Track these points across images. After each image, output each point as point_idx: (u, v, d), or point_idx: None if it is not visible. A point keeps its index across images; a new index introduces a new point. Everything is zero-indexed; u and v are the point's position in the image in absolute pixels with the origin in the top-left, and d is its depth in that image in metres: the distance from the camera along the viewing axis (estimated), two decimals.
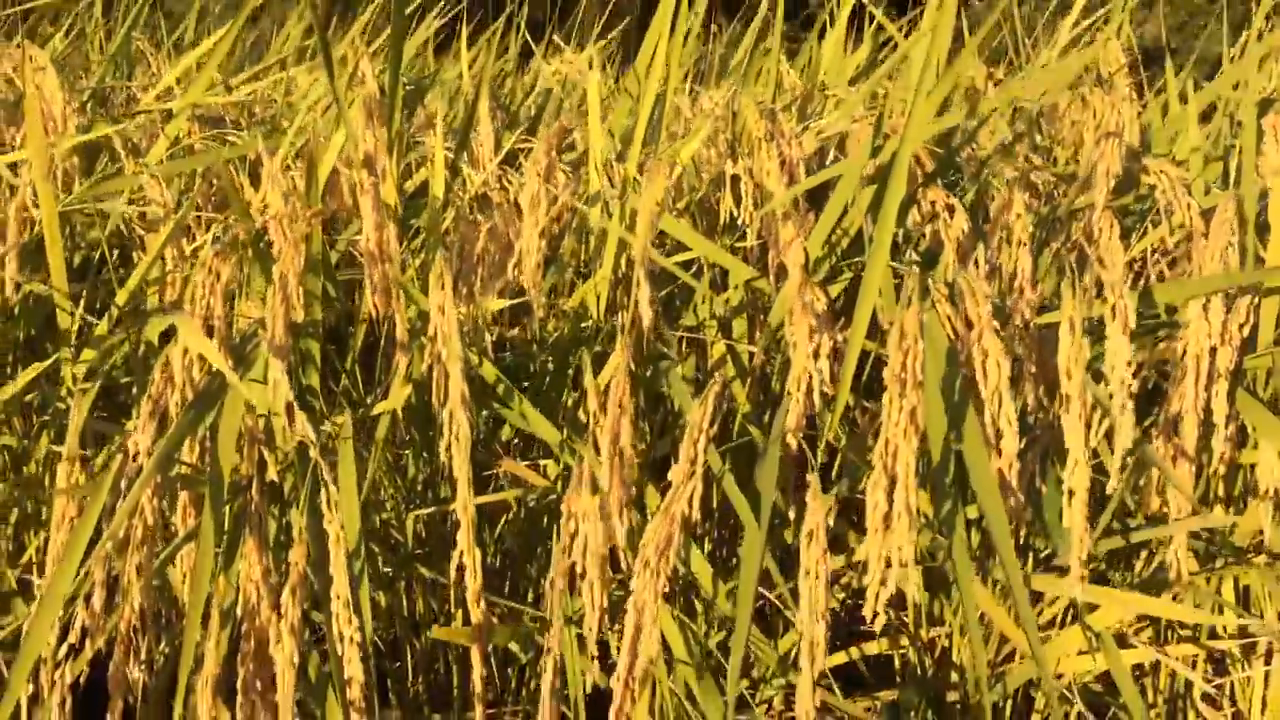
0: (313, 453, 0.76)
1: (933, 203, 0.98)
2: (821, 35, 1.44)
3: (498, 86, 1.80)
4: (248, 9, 1.42)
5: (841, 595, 1.12)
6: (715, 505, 1.14)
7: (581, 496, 0.78)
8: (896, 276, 0.97)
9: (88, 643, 0.76)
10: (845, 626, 1.26)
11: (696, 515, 0.75)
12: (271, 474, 0.88)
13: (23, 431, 1.18)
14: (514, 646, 1.25)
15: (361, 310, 1.13)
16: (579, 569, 0.78)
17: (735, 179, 1.14)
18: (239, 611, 0.79)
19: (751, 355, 1.04)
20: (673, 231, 1.03)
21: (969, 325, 0.82)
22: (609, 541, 0.75)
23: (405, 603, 1.22)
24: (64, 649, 0.76)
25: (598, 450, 0.82)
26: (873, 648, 1.13)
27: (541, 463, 1.10)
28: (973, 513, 0.97)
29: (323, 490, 0.75)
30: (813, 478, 0.72)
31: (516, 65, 1.88)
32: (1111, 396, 0.72)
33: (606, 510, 0.76)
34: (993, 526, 0.74)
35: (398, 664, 1.23)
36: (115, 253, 1.36)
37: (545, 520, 1.16)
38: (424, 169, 1.44)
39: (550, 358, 1.18)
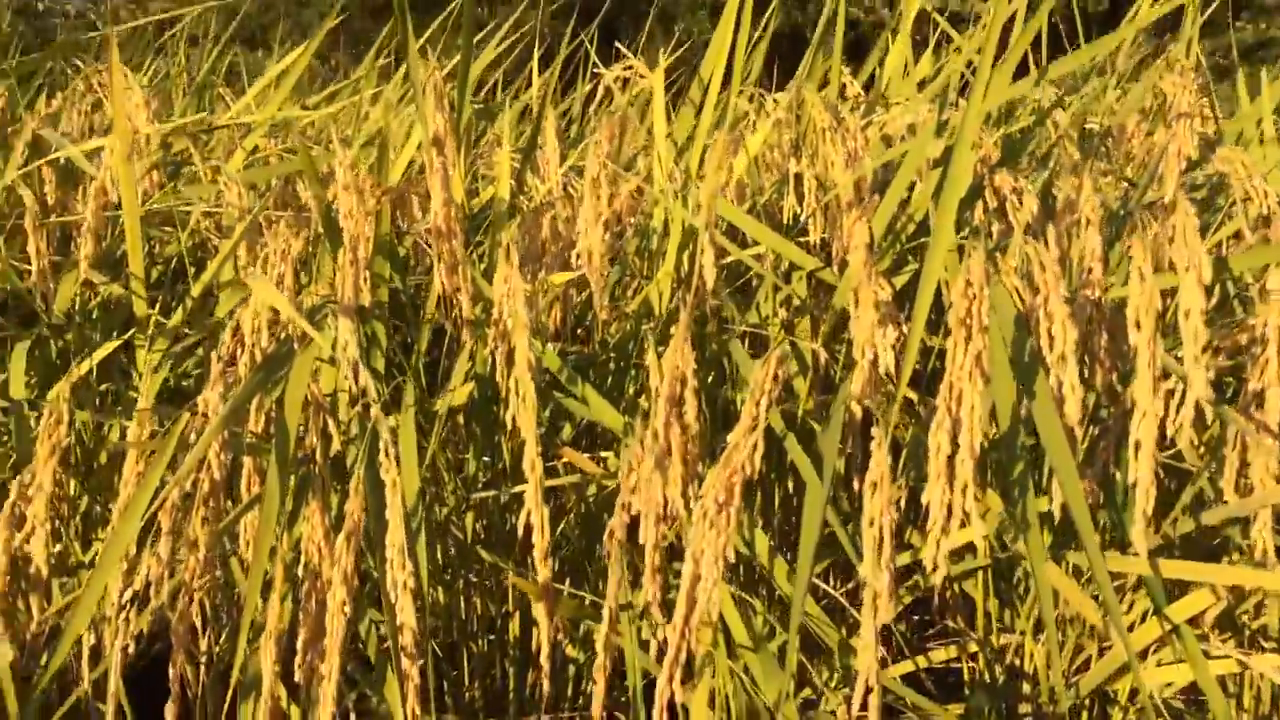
0: (374, 409, 0.77)
1: (999, 189, 0.97)
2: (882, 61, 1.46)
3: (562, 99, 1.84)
4: (322, 31, 1.47)
5: (908, 599, 1.09)
6: (777, 504, 1.12)
7: (641, 456, 0.77)
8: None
9: (152, 592, 0.76)
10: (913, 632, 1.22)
11: (758, 468, 0.74)
12: (335, 441, 0.88)
13: (94, 424, 1.20)
14: (571, 650, 1.23)
15: (426, 311, 1.15)
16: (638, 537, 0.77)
17: (799, 178, 1.15)
18: (300, 573, 0.79)
19: (814, 353, 1.03)
20: (736, 221, 1.03)
21: (1035, 293, 0.81)
22: (665, 494, 0.74)
23: (463, 605, 1.21)
24: (129, 594, 0.76)
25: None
26: (940, 655, 1.10)
27: (602, 454, 1.09)
28: (1042, 505, 0.94)
29: (382, 448, 0.75)
30: (879, 431, 0.70)
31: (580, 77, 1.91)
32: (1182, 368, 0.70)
33: (665, 466, 0.75)
34: (1064, 485, 0.72)
35: (455, 671, 1.22)
36: (193, 269, 1.40)
37: (605, 519, 1.15)
38: (490, 187, 1.47)
39: (613, 357, 1.18)
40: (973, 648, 1.09)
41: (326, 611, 0.74)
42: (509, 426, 1.07)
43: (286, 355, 0.86)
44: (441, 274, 0.94)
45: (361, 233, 0.85)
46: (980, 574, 1.08)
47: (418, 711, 0.70)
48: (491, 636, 1.22)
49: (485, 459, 1.19)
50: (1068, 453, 0.72)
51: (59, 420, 0.85)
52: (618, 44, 1.22)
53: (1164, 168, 0.91)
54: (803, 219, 1.11)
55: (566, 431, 1.19)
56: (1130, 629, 0.99)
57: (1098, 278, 0.88)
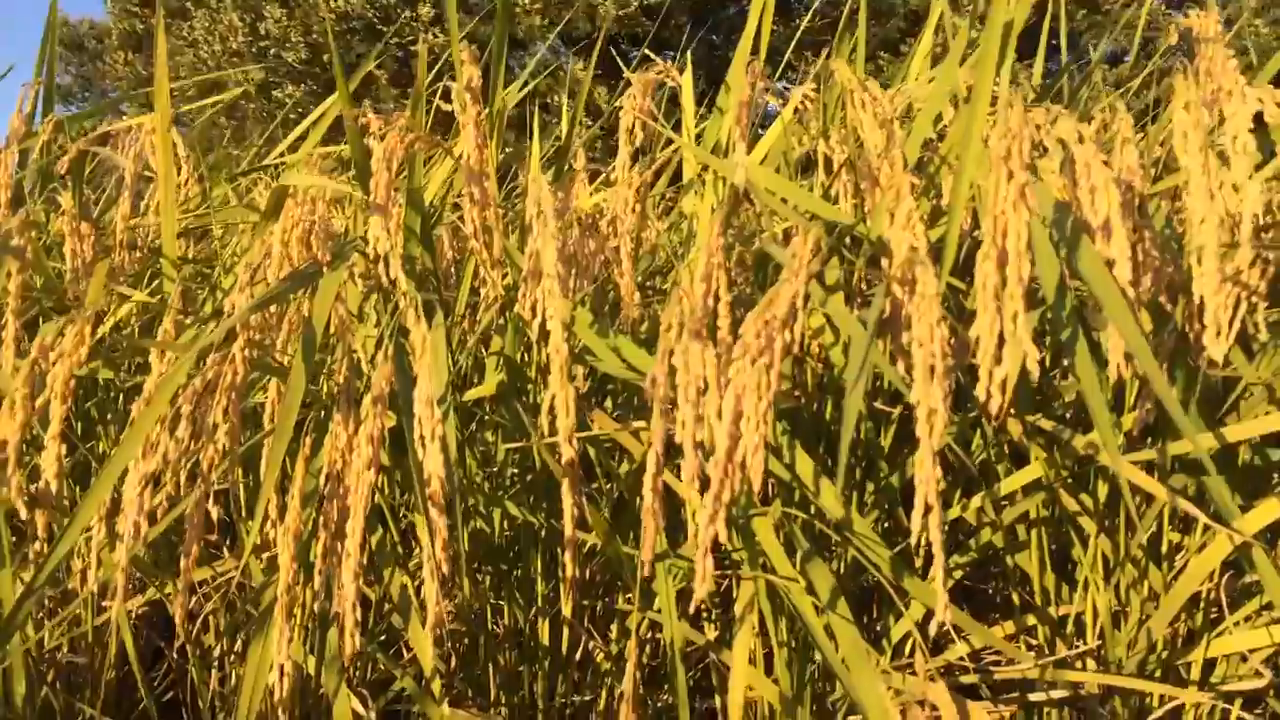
0: (402, 282, 0.75)
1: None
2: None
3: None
4: (356, 78, 1.52)
5: (963, 564, 1.03)
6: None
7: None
8: None
9: (168, 476, 0.73)
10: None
11: (798, 337, 0.72)
12: (363, 358, 0.86)
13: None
14: (599, 657, 1.17)
15: (457, 309, 1.14)
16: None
17: (828, 161, 1.15)
18: (322, 480, 0.76)
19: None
20: (768, 183, 1.03)
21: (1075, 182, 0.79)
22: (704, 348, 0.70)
23: (490, 613, 1.16)
24: (146, 475, 0.73)
25: None
26: (999, 631, 1.03)
27: (635, 425, 1.06)
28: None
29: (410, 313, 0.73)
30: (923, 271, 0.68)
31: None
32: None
33: (702, 335, 0.72)
34: (1122, 330, 0.69)
35: (480, 676, 1.15)
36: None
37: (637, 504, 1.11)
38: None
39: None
40: (1030, 620, 1.03)
41: (350, 499, 0.70)
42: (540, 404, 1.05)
43: (315, 273, 0.85)
44: (472, 214, 0.94)
45: (395, 148, 0.85)
46: (1034, 546, 1.03)
47: (445, 569, 0.65)
48: (519, 645, 1.16)
49: (514, 455, 1.16)
50: (1121, 301, 0.69)
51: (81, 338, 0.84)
52: (647, 51, 1.25)
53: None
54: (833, 193, 1.11)
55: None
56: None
57: (1139, 189, 0.87)
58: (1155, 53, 1.48)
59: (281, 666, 0.70)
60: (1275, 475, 0.95)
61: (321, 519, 0.75)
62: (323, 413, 0.90)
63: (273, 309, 0.88)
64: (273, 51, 10.82)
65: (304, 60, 10.71)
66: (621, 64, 1.47)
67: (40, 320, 1.11)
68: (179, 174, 1.40)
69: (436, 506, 0.66)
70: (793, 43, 1.66)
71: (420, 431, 0.68)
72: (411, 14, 10.72)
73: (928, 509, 0.60)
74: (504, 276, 1.04)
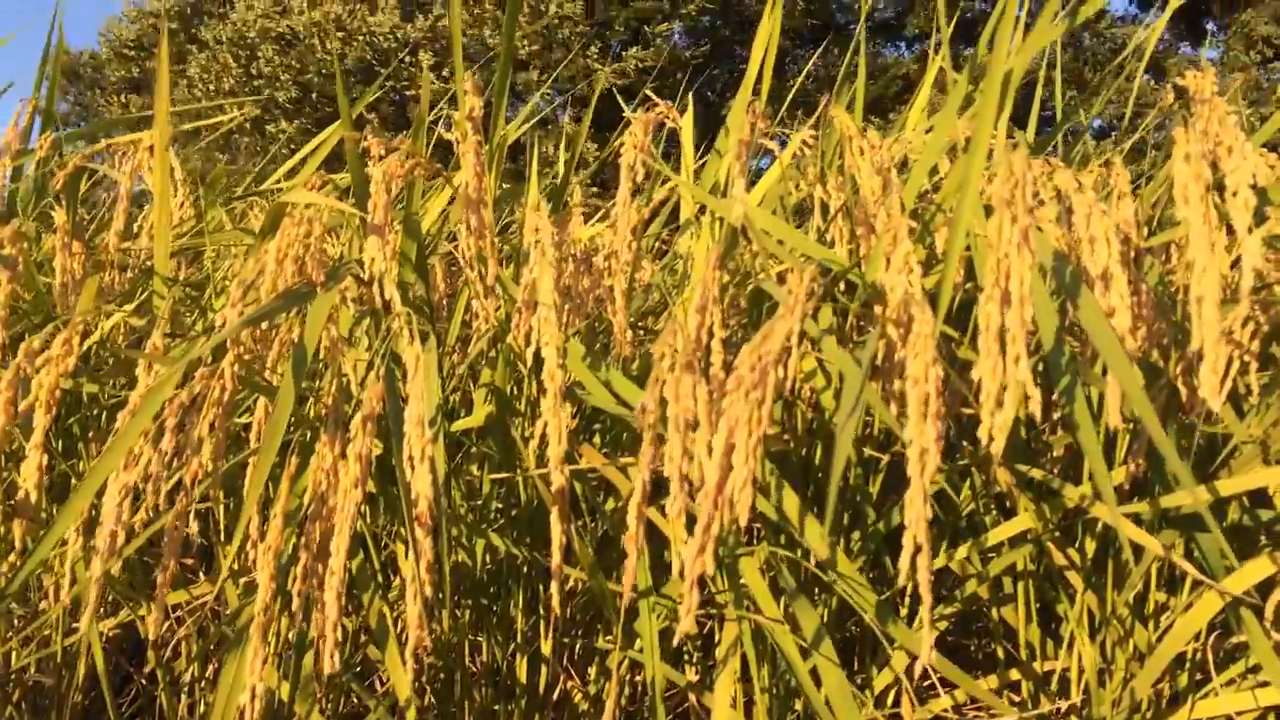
0: (396, 304, 0.75)
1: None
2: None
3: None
4: (358, 108, 1.52)
5: (948, 614, 1.02)
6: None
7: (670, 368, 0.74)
8: None
9: (149, 488, 0.72)
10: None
11: (791, 375, 0.71)
12: (353, 380, 0.86)
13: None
14: (577, 698, 1.15)
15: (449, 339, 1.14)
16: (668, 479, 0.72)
17: (824, 206, 1.16)
18: (306, 499, 0.75)
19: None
20: (764, 224, 1.03)
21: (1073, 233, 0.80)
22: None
23: (468, 650, 1.14)
24: (127, 486, 0.72)
25: None
26: (984, 685, 1.02)
27: (624, 460, 1.05)
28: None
29: (403, 333, 0.73)
30: (920, 315, 0.68)
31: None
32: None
33: (695, 367, 0.72)
34: (1120, 379, 0.69)
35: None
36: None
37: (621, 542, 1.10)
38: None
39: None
40: (1014, 675, 1.02)
41: (335, 517, 0.69)
42: (529, 436, 1.05)
43: (308, 293, 0.84)
44: (467, 241, 0.94)
45: (395, 172, 0.85)
46: (1020, 600, 1.02)
47: (429, 592, 0.64)
48: (496, 682, 1.14)
49: (500, 487, 1.15)
50: (1120, 350, 0.69)
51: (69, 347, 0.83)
52: (648, 92, 1.26)
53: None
54: (829, 238, 1.11)
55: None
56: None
57: (1134, 242, 0.88)
58: (1144, 125, 1.51)
59: (254, 688, 0.68)
60: (1263, 536, 0.94)
61: (303, 540, 0.73)
62: (308, 435, 0.89)
63: (264, 327, 0.87)
64: (266, 92, 10.98)
65: (294, 99, 10.87)
66: (622, 107, 1.48)
67: (26, 336, 1.09)
68: (174, 193, 1.40)
69: (423, 528, 0.65)
70: (787, 100, 1.67)
71: (409, 452, 0.67)
72: (411, 59, 10.88)
73: (917, 549, 0.60)
74: (497, 308, 1.04)
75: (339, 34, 10.74)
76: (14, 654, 1.07)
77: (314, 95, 10.94)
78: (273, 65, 10.91)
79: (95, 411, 1.23)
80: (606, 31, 10.85)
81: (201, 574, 1.23)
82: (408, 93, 10.52)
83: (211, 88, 10.94)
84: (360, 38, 10.77)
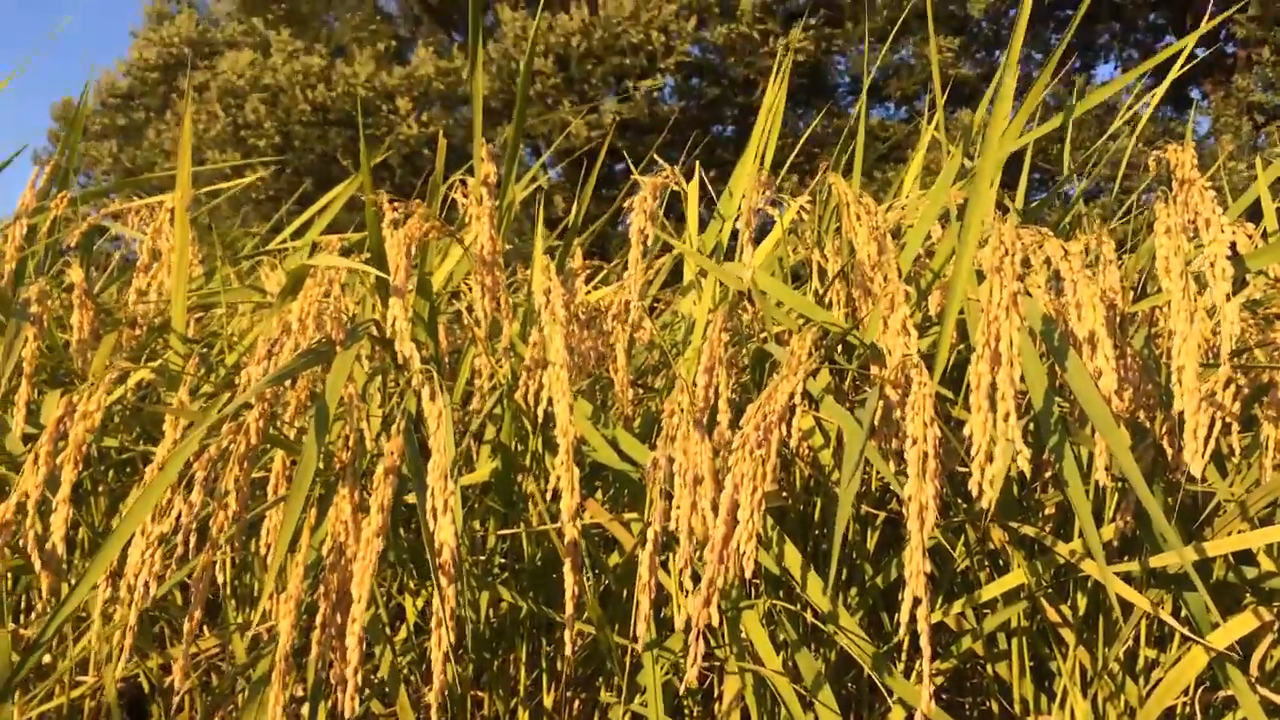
0: (415, 362, 0.78)
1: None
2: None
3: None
4: (373, 161, 1.57)
5: (944, 669, 1.05)
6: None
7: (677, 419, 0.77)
8: None
9: (179, 539, 0.75)
10: None
11: (793, 433, 0.74)
12: (367, 435, 0.88)
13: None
14: None
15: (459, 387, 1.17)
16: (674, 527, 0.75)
17: (821, 270, 1.20)
18: (324, 550, 0.78)
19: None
20: (766, 286, 1.07)
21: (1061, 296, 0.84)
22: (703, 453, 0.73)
23: (470, 704, 1.16)
24: (155, 536, 0.74)
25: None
26: None
27: (627, 517, 1.08)
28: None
29: (425, 390, 0.76)
30: (918, 382, 0.71)
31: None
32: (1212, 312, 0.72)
33: (704, 425, 0.75)
34: (1107, 439, 0.72)
35: None
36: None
37: (625, 597, 1.12)
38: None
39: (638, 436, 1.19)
40: None
41: (354, 565, 0.72)
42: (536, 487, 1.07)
43: (328, 352, 0.88)
44: (481, 301, 0.97)
45: (414, 233, 0.89)
46: (1015, 656, 1.04)
47: (453, 638, 0.67)
48: None
49: (504, 541, 1.17)
50: (1107, 411, 0.73)
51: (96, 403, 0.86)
52: (655, 155, 1.31)
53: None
54: (827, 301, 1.15)
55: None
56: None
57: (1119, 307, 0.92)
58: (1133, 190, 1.56)
59: None
60: (1247, 593, 0.97)
61: (321, 589, 0.76)
62: (322, 489, 0.92)
63: (284, 383, 0.90)
64: (250, 141, 11.18)
65: (276, 148, 11.08)
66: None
67: (36, 391, 1.12)
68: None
69: (446, 576, 0.68)
70: (785, 165, 1.72)
71: (432, 503, 0.70)
72: (389, 107, 11.10)
73: (916, 602, 0.63)
74: (501, 366, 1.07)
75: (321, 85, 11.00)
76: (15, 710, 1.08)
77: (295, 143, 11.17)
78: (257, 114, 11.14)
79: (104, 467, 1.25)
80: (584, 86, 11.07)
81: (205, 628, 1.24)
82: (386, 138, 10.76)
83: (201, 134, 11.15)
84: (339, 88, 11.06)
